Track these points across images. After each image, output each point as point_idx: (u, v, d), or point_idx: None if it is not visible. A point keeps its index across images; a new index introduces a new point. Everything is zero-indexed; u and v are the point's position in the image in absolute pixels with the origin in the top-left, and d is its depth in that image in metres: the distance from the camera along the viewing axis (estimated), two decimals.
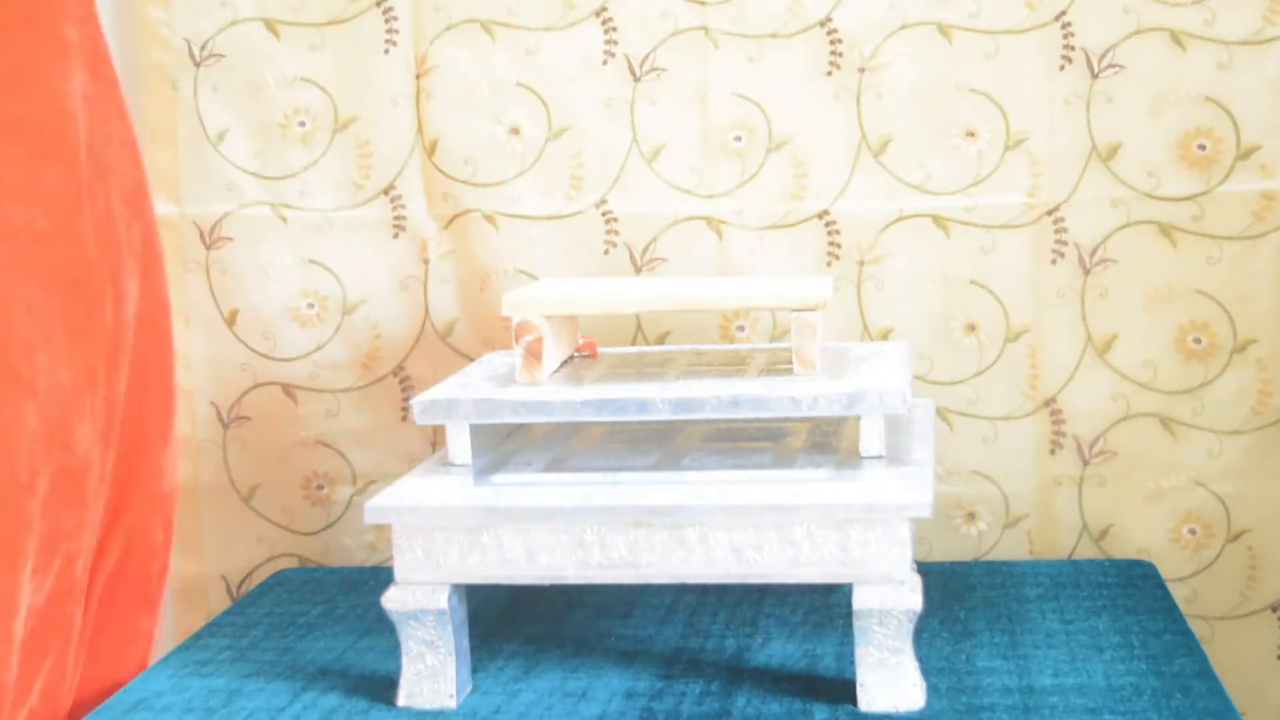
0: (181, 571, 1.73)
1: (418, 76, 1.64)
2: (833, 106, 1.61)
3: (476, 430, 1.35)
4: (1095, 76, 1.57)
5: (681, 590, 1.27)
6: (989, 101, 1.59)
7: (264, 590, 1.64)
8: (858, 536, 1.21)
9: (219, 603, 1.74)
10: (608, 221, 1.65)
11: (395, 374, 1.71)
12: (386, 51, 1.64)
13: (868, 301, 1.61)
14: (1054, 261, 1.61)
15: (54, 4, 1.30)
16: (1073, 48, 1.57)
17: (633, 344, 1.67)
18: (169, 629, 1.71)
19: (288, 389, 1.72)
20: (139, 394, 1.42)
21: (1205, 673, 1.30)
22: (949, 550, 1.65)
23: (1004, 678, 1.30)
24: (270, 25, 1.65)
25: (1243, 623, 1.63)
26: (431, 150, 1.66)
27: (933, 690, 1.25)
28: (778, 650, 1.38)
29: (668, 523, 1.22)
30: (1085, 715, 1.22)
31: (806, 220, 1.63)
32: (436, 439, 1.69)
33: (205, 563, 1.74)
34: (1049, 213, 1.60)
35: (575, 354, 1.47)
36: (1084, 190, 1.59)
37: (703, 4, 1.60)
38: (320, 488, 1.74)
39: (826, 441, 1.39)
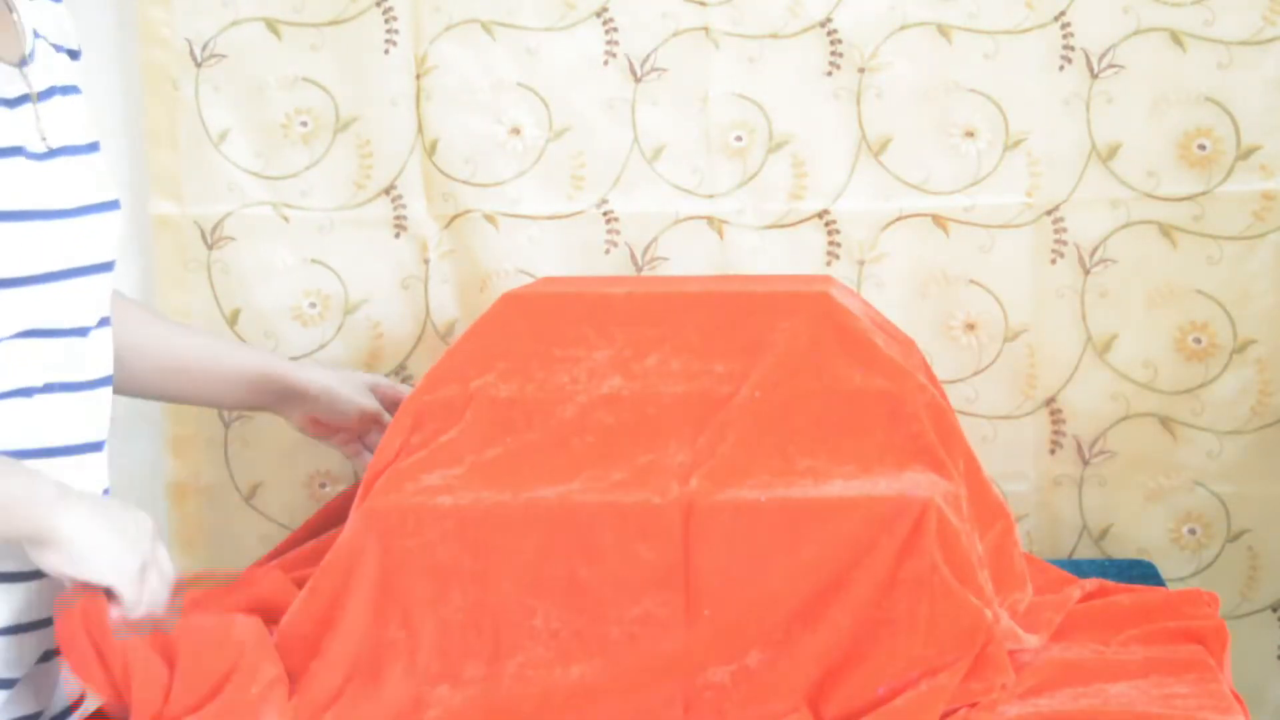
0: (181, 571, 1.71)
1: (418, 76, 1.64)
2: (833, 106, 1.60)
3: None
4: (1095, 76, 1.56)
5: None
6: (988, 101, 1.58)
7: None
8: None
9: None
10: (609, 221, 1.64)
11: (397, 373, 1.70)
12: (386, 51, 1.64)
13: (868, 300, 1.59)
14: (1053, 261, 1.60)
15: None
16: (1072, 48, 1.56)
17: None
18: None
19: None
20: None
21: None
22: None
23: None
24: (271, 25, 1.65)
25: (1243, 623, 1.62)
26: (432, 150, 1.65)
27: None
28: None
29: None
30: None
31: (807, 220, 1.62)
32: None
33: (205, 563, 1.72)
34: (1048, 212, 1.59)
35: None
36: (1084, 190, 1.58)
37: (703, 5, 1.60)
38: (323, 486, 1.73)
39: None
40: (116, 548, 1.17)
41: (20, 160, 1.21)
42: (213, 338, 1.61)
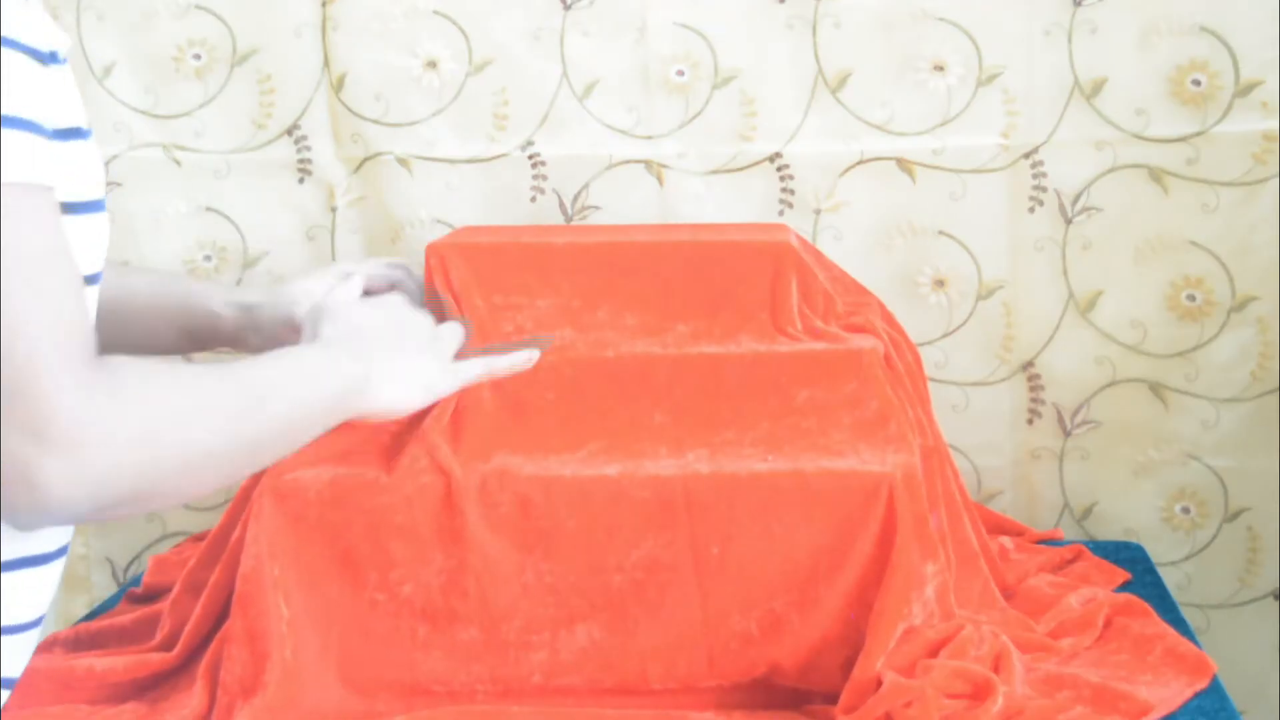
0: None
1: (324, 4, 1.56)
2: (786, 37, 1.53)
3: None
4: (1078, 4, 1.50)
5: None
6: (960, 31, 1.52)
7: None
8: None
9: (104, 588, 1.65)
10: (535, 165, 1.57)
11: None
12: None
13: (824, 253, 1.52)
14: (1032, 210, 1.54)
15: None
16: None
17: None
18: (49, 614, 1.59)
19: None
20: None
21: None
22: None
23: None
24: None
25: (1241, 611, 1.59)
26: (339, 86, 1.57)
27: None
28: None
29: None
30: None
31: (757, 164, 1.56)
32: None
33: (88, 544, 1.66)
34: (1026, 155, 1.53)
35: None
36: (1065, 130, 1.53)
37: None
38: None
39: None
40: (427, 381, 1.19)
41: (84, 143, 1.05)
42: (140, 274, 1.43)
